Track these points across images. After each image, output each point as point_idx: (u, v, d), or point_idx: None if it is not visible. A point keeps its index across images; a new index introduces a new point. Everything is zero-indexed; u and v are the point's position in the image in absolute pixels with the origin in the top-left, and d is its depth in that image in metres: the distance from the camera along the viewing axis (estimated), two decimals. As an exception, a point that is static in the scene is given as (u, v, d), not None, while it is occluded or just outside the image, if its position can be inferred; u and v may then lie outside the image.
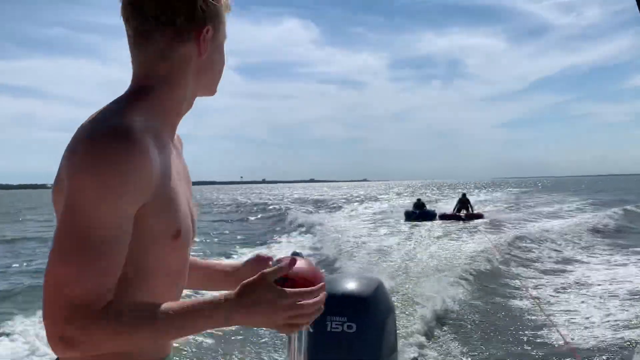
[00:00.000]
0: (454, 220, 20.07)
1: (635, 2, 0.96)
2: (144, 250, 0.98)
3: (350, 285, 2.55)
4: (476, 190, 60.13)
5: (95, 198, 0.89)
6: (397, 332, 2.65)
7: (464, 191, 25.52)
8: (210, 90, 1.15)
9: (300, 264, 1.05)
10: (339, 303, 2.47)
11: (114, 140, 0.90)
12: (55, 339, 0.87)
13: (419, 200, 23.56)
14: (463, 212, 21.44)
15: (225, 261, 1.38)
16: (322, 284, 1.03)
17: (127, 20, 1.06)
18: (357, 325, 2.44)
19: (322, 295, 1.02)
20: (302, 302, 0.97)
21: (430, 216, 21.51)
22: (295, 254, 1.22)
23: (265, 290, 0.95)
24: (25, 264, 13.54)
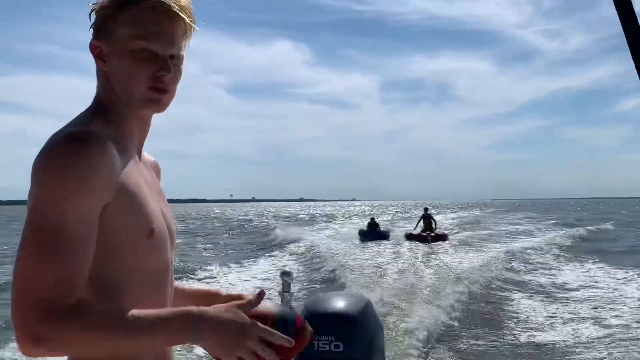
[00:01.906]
0: (419, 242, 19.38)
1: (622, 28, 0.97)
2: (120, 250, 0.99)
3: (338, 304, 2.50)
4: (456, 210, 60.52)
5: (57, 196, 0.90)
6: (385, 351, 2.61)
7: (426, 206, 25.31)
8: (135, 102, 1.06)
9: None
10: (325, 322, 2.42)
11: (71, 143, 0.93)
12: (26, 336, 0.86)
13: (372, 219, 23.64)
14: (427, 233, 20.43)
15: (212, 287, 1.37)
16: (293, 342, 1.00)
17: None
18: (344, 345, 2.39)
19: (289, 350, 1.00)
20: (266, 346, 0.96)
21: (383, 236, 21.42)
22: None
23: (237, 315, 0.96)
24: None
